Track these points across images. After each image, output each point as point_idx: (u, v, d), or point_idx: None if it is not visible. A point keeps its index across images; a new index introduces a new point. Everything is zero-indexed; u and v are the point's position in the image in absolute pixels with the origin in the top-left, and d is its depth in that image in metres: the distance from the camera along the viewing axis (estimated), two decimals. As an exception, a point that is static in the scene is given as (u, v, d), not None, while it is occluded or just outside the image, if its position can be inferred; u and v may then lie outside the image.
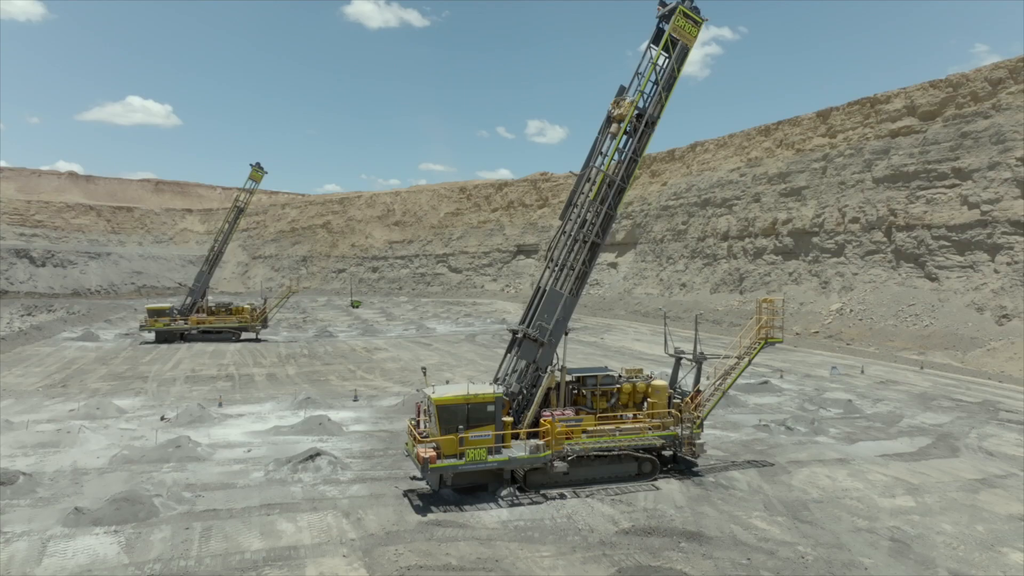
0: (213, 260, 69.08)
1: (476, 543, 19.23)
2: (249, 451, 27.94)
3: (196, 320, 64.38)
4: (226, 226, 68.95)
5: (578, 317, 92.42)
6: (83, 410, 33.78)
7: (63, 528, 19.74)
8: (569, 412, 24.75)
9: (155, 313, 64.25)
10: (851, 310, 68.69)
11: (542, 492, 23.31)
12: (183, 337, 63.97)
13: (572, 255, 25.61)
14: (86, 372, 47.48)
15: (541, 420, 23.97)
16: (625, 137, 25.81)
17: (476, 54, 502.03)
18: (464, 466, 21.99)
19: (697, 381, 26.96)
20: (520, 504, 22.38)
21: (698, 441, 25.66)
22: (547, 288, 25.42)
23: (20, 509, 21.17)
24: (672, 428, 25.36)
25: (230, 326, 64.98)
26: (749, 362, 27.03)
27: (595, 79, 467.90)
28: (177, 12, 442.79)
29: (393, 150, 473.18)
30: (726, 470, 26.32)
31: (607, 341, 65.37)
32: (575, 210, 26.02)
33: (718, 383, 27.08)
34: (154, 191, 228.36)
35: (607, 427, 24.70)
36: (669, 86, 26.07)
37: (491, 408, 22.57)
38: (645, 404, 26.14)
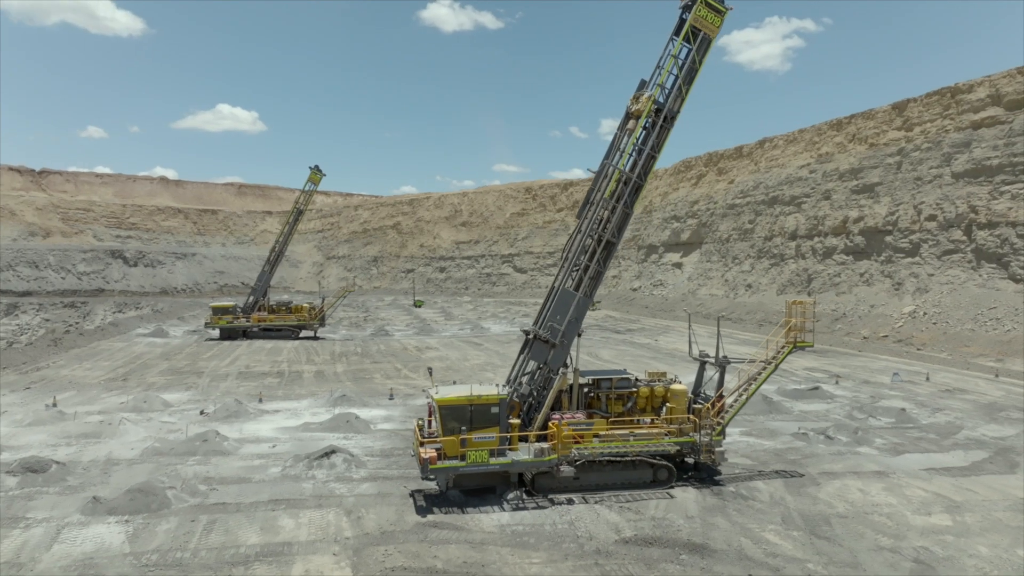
0: (274, 260, 71.33)
1: (467, 547, 18.98)
2: (274, 447, 28.57)
3: (257, 318, 66.66)
4: (286, 227, 71.09)
5: (636, 318, 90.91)
6: (132, 403, 35.38)
7: (80, 516, 20.64)
8: (580, 415, 24.18)
9: (219, 311, 66.95)
10: (925, 313, 64.80)
11: (550, 497, 22.86)
12: (245, 334, 66.34)
13: (587, 254, 25.03)
14: (148, 367, 49.81)
15: (550, 423, 23.51)
16: (643, 132, 25.05)
17: (549, 54, 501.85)
18: (465, 468, 21.79)
19: (720, 385, 25.89)
20: (524, 508, 22.00)
21: (718, 448, 24.60)
22: (559, 288, 24.94)
23: (47, 496, 22.27)
24: (691, 434, 24.42)
25: (289, 324, 66.96)
26: (775, 367, 25.74)
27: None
28: (261, 24, 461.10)
29: (467, 152, 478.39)
30: (750, 479, 25.15)
31: (661, 343, 63.90)
32: (592, 209, 25.41)
33: (742, 389, 25.87)
34: (237, 194, 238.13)
35: (620, 432, 23.99)
36: (690, 79, 25.14)
37: (495, 410, 22.28)
38: (664, 409, 25.31)
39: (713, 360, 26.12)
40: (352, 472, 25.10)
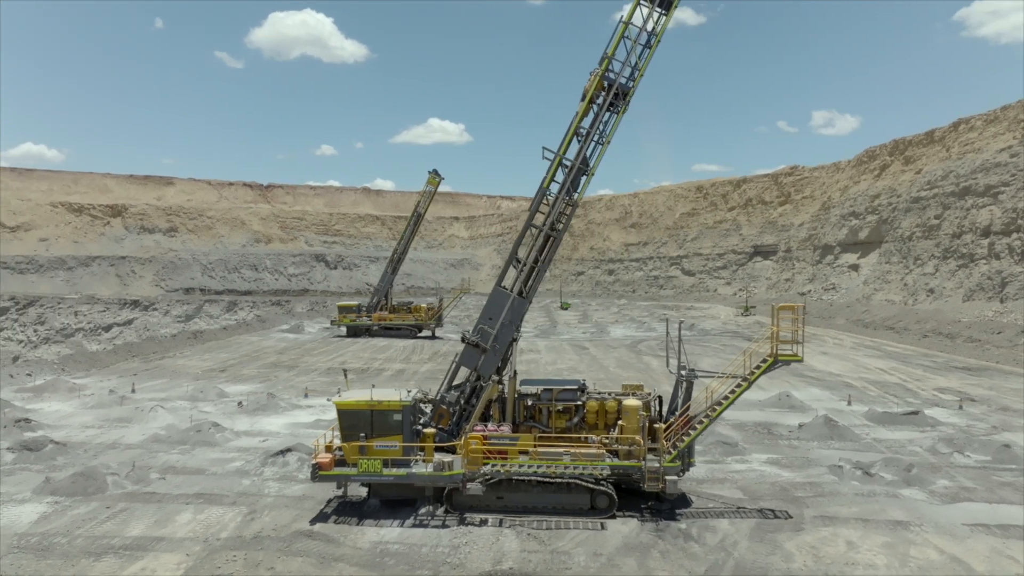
0: (396, 261, 74.14)
1: (315, 561, 17.90)
2: (265, 441, 29.32)
3: (378, 317, 69.77)
4: (407, 230, 73.68)
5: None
6: (191, 392, 38.34)
7: (28, 494, 22.50)
8: (505, 428, 21.95)
9: (345, 310, 71.08)
10: None
11: (466, 516, 20.97)
12: (368, 332, 69.74)
13: (528, 249, 22.72)
14: (256, 359, 54.00)
15: (468, 436, 21.58)
16: (593, 113, 22.21)
17: (753, 47, 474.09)
18: (356, 477, 20.65)
19: (684, 403, 22.19)
20: (424, 526, 20.37)
21: (670, 477, 21.03)
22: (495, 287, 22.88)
23: (24, 474, 24.60)
24: (634, 459, 21.17)
25: (407, 323, 69.28)
26: (749, 385, 21.51)
27: (896, 61, 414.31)
28: (464, 39, 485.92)
29: (666, 149, 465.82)
30: (720, 516, 21.25)
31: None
32: (535, 201, 23.03)
33: (707, 411, 21.92)
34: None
35: (553, 450, 21.39)
36: (647, 49, 21.83)
37: (397, 417, 20.88)
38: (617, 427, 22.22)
39: (683, 374, 22.42)
40: (300, 472, 24.92)
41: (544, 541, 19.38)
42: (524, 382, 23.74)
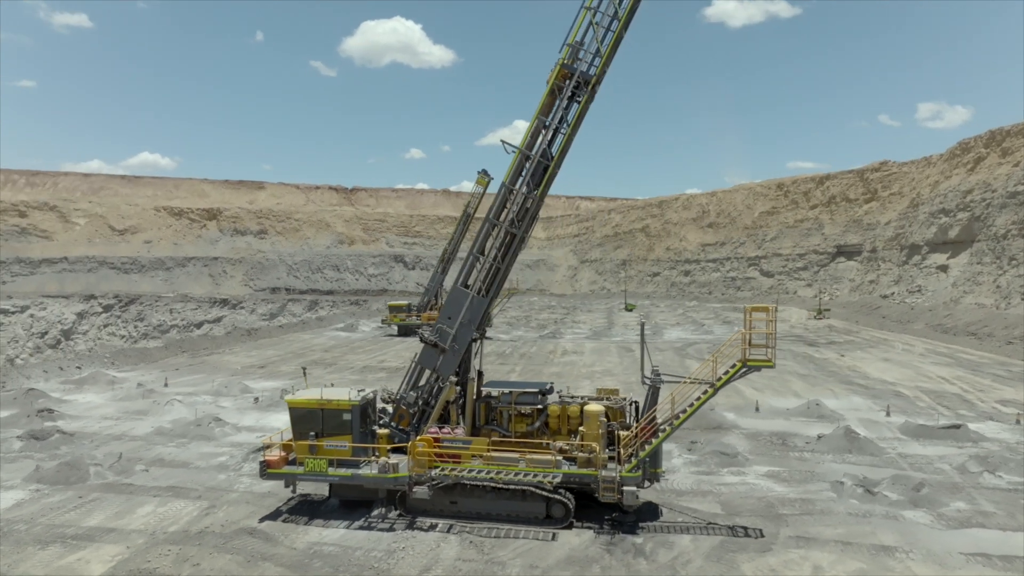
0: (446, 261, 74.29)
1: (243, 560, 17.81)
2: (260, 437, 29.72)
3: (427, 316, 70.11)
4: (456, 231, 73.74)
5: (860, 330, 77.35)
6: (216, 387, 39.52)
7: (19, 481, 23.58)
8: (460, 431, 21.26)
9: (395, 309, 71.90)
10: None
11: (417, 520, 20.45)
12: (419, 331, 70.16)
13: (489, 247, 21.95)
14: (299, 357, 55.33)
15: (418, 438, 21.02)
16: (556, 103, 21.22)
17: (851, 38, 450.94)
18: (302, 476, 20.46)
19: (648, 409, 20.82)
20: (370, 528, 20.00)
21: (628, 487, 19.77)
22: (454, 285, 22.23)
23: (24, 461, 25.84)
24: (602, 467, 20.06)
25: (456, 324, 69.29)
26: (715, 391, 19.93)
27: (1013, 45, 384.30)
28: (550, 41, 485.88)
29: (758, 147, 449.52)
30: (684, 532, 19.83)
31: (841, 361, 53.18)
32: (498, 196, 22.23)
33: (672, 418, 20.46)
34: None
35: (507, 455, 20.55)
36: (613, 35, 20.65)
37: (347, 416, 20.57)
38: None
39: (648, 380, 21.08)
40: (277, 469, 25.03)
41: (484, 550, 18.60)
42: (488, 384, 22.99)
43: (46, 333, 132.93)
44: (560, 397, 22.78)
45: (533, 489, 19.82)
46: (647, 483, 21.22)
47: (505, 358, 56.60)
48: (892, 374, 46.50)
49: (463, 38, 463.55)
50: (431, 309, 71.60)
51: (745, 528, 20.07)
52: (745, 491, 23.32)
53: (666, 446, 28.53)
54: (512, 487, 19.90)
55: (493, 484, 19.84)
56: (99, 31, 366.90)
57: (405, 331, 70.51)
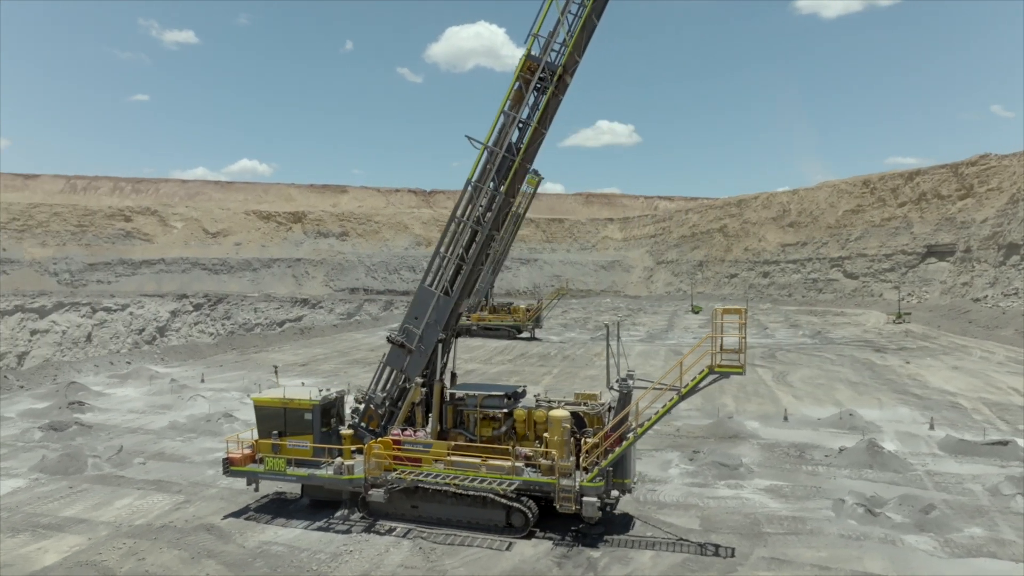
0: (496, 263, 73.95)
1: (187, 556, 17.92)
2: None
3: (477, 317, 70.04)
4: (505, 232, 73.33)
5: (939, 335, 71.94)
6: (245, 384, 40.53)
7: (25, 470, 24.75)
8: (422, 434, 20.73)
9: (446, 310, 72.22)
10: None
11: (376, 523, 20.12)
12: (468, 332, 70.24)
13: (455, 246, 21.36)
14: (344, 356, 56.27)
15: (379, 440, 20.64)
16: (523, 96, 20.43)
17: (956, 26, 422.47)
18: (261, 474, 20.46)
19: (616, 416, 19.69)
20: (328, 529, 19.80)
21: (589, 498, 18.73)
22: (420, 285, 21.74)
23: (38, 450, 27.11)
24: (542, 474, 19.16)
25: (505, 324, 68.92)
26: (681, 398, 18.60)
27: None
28: (631, 38, 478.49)
29: (856, 143, 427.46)
30: (649, 547, 18.66)
31: (905, 369, 49.32)
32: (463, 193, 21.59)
33: (637, 424, 19.24)
34: (584, 203, 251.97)
35: (467, 460, 19.89)
36: (580, 22, 19.67)
37: (308, 416, 20.44)
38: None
39: (615, 386, 19.96)
40: (265, 466, 25.27)
41: (431, 557, 18.02)
42: (459, 386, 22.38)
43: (143, 329, 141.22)
44: (537, 401, 21.93)
45: (492, 496, 19.11)
46: (616, 494, 20.17)
47: (546, 360, 55.76)
48: (957, 383, 42.81)
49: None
50: (481, 310, 71.54)
51: (717, 546, 18.66)
52: (735, 506, 21.76)
53: (666, 454, 27.21)
54: (469, 493, 19.26)
55: (446, 489, 19.24)
56: (204, 46, 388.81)
57: (456, 332, 70.59)
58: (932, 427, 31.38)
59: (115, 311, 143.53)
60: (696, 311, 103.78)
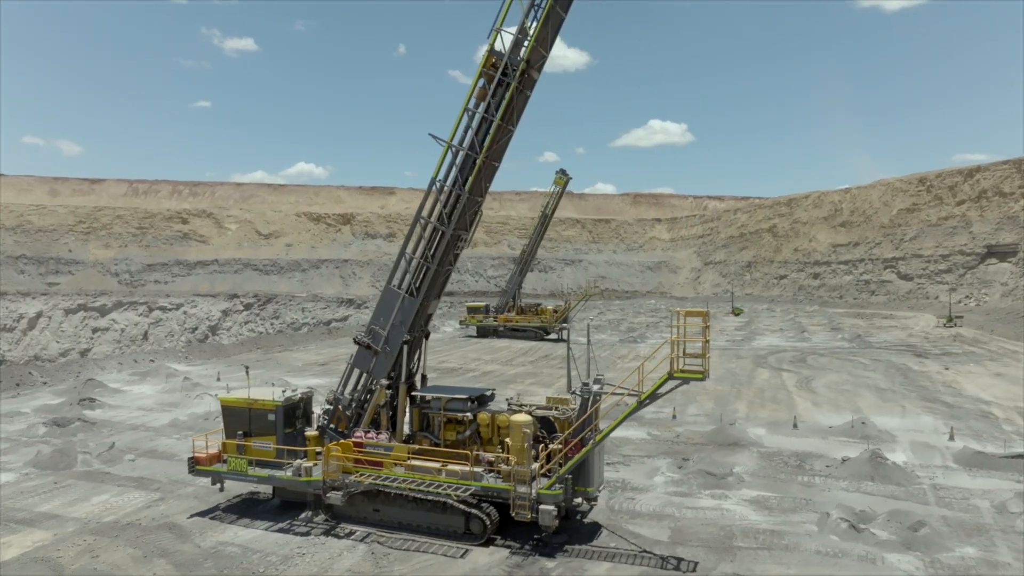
0: (524, 263, 73.37)
1: (140, 555, 18.01)
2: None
3: (504, 318, 69.61)
4: (535, 233, 72.61)
5: (993, 340, 68.22)
6: (257, 383, 40.97)
7: (20, 465, 25.45)
8: (384, 436, 20.41)
9: (473, 311, 71.93)
10: None
11: (337, 527, 19.92)
12: (496, 333, 69.89)
13: (419, 246, 20.97)
14: (366, 356, 56.53)
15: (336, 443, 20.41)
16: (487, 93, 19.92)
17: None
18: (224, 474, 20.45)
19: (578, 421, 18.99)
20: (289, 531, 19.68)
21: (546, 506, 18.09)
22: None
23: (37, 445, 27.85)
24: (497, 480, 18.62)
25: (532, 325, 68.27)
26: (639, 405, 17.79)
27: None
28: (683, 36, 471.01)
29: (919, 140, 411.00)
30: (608, 559, 17.92)
31: (942, 376, 46.72)
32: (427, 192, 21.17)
33: (594, 431, 18.49)
34: (632, 204, 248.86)
35: (427, 464, 19.50)
36: (543, 14, 19.07)
37: (271, 417, 20.38)
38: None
39: (577, 391, 19.27)
40: (248, 465, 25.38)
41: (382, 563, 17.69)
42: (426, 389, 21.98)
43: (196, 328, 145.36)
44: (508, 404, 21.40)
45: (452, 502, 18.66)
46: (580, 502, 19.47)
47: (573, 362, 54.87)
48: (994, 391, 40.35)
49: (598, 40, 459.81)
50: (509, 311, 71.15)
51: (679, 560, 17.80)
52: (712, 517, 20.78)
53: (656, 461, 26.29)
54: (424, 498, 18.87)
55: (400, 493, 18.90)
56: (264, 53, 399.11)
57: (484, 332, 70.47)
58: (952, 437, 29.55)
59: (170, 310, 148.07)
60: (737, 313, 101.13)
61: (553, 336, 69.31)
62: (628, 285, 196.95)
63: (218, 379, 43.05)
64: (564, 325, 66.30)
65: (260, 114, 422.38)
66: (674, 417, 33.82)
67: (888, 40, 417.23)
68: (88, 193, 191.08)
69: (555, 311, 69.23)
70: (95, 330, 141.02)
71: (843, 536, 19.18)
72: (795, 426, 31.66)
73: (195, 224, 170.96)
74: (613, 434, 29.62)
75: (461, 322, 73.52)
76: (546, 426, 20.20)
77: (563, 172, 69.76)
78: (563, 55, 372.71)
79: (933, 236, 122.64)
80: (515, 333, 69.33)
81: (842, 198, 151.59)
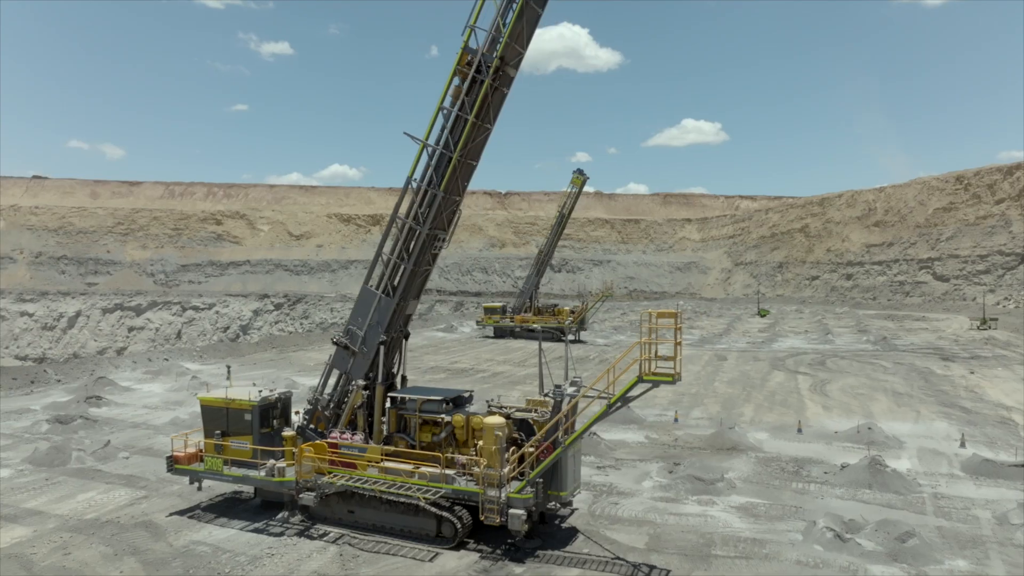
0: (541, 264, 72.90)
1: (111, 553, 18.12)
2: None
3: (520, 319, 69.20)
4: (552, 233, 72.07)
5: (1012, 342, 65.78)
6: (262, 382, 41.24)
7: (17, 461, 25.91)
8: (358, 437, 20.25)
9: (490, 311, 71.68)
10: None
11: (313, 527, 19.85)
12: (512, 333, 69.53)
13: (394, 245, 20.77)
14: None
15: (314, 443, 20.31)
16: (462, 91, 19.64)
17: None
18: (201, 473, 20.50)
19: (550, 424, 18.61)
20: (263, 531, 19.66)
21: (515, 510, 17.75)
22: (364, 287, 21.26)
23: (38, 442, 28.33)
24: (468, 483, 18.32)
25: (549, 326, 67.71)
26: (611, 408, 17.34)
27: None
28: (717, 34, 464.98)
29: (959, 137, 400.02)
30: (579, 565, 17.53)
31: (970, 379, 45.14)
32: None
33: (562, 435, 18.07)
34: (662, 204, 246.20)
35: (400, 466, 19.30)
36: (517, 10, 18.73)
37: (248, 417, 20.37)
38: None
39: (549, 394, 18.90)
40: (237, 464, 25.49)
41: (349, 566, 17.53)
42: (404, 390, 21.75)
43: (228, 327, 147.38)
44: (489, 406, 21.09)
45: (422, 504, 18.43)
46: (554, 506, 19.12)
47: (582, 363, 54.39)
48: (1017, 397, 38.82)
49: (630, 39, 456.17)
50: (526, 311, 70.79)
51: (651, 567, 17.31)
52: (695, 524, 20.21)
53: (648, 466, 25.76)
54: (396, 500, 18.68)
55: (370, 494, 18.74)
56: (299, 57, 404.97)
57: (501, 333, 70.20)
58: (963, 444, 28.43)
59: (203, 310, 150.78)
60: (763, 314, 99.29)
61: (569, 337, 68.74)
62: (657, 286, 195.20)
63: (227, 378, 43.37)
64: (564, 326, 65.70)
65: (295, 117, 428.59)
66: (676, 420, 33.14)
67: (928, 35, 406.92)
68: (127, 195, 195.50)
69: (572, 312, 68.64)
70: (131, 329, 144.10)
71: (827, 546, 18.48)
72: (799, 431, 30.79)
73: (229, 225, 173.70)
74: (608, 437, 29.39)
75: (478, 322, 73.37)
76: (525, 429, 19.84)
77: (580, 172, 69.19)
78: (595, 55, 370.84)
79: (971, 236, 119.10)
80: (532, 333, 68.89)
81: (876, 197, 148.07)
